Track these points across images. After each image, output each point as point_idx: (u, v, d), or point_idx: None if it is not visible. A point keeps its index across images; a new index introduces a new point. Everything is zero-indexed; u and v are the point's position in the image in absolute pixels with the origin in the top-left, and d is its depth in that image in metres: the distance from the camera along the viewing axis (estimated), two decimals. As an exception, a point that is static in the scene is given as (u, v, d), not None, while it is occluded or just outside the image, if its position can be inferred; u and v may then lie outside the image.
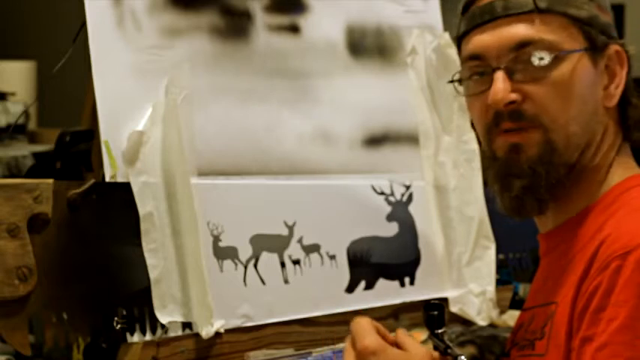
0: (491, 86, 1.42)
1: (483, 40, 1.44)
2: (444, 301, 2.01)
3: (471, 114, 1.51)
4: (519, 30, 1.42)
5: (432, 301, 1.49)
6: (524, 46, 1.42)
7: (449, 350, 1.44)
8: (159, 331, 1.67)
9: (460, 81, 1.49)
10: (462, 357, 1.41)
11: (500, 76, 1.41)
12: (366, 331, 1.40)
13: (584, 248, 1.37)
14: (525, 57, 1.41)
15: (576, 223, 1.42)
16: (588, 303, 1.30)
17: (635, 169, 1.46)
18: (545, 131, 1.40)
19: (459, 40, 1.51)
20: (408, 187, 2.04)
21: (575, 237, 1.41)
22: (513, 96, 1.41)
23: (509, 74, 1.41)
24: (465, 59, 1.48)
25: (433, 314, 1.47)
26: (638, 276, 1.27)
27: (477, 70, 1.46)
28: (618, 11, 4.56)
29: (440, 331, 1.46)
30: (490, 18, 1.44)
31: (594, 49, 1.41)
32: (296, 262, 1.86)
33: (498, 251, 2.10)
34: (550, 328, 1.38)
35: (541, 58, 1.40)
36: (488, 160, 1.48)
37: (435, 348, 1.47)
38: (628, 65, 1.44)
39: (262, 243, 1.82)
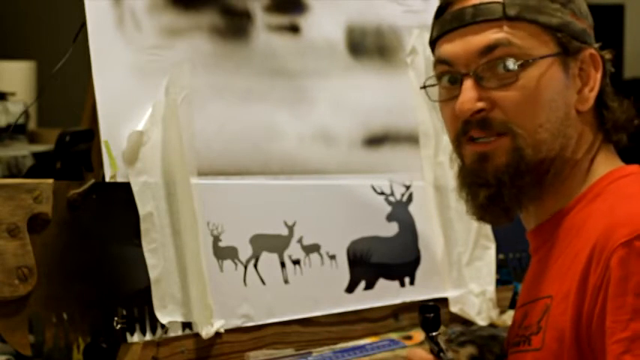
0: (460, 94, 1.42)
1: (452, 46, 1.45)
2: (443, 301, 2.01)
3: (443, 119, 1.51)
4: (487, 35, 1.42)
5: (428, 303, 1.48)
6: (491, 50, 1.42)
7: (441, 354, 1.44)
8: (159, 331, 1.67)
9: (427, 86, 1.51)
10: None
11: (468, 85, 1.42)
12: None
13: (576, 239, 1.37)
14: (493, 62, 1.42)
15: (563, 217, 1.42)
16: (599, 295, 1.29)
17: (620, 164, 1.47)
18: (514, 138, 1.41)
19: (432, 44, 1.52)
20: (408, 187, 2.04)
21: (564, 230, 1.41)
22: (480, 104, 1.42)
23: (478, 80, 1.42)
24: (436, 63, 1.49)
25: (428, 317, 1.46)
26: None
27: (447, 74, 1.46)
28: (618, 11, 4.56)
29: (435, 333, 1.46)
30: (459, 25, 1.44)
31: (566, 55, 1.41)
32: (296, 262, 1.86)
33: (498, 251, 2.10)
34: (546, 322, 1.38)
35: (509, 63, 1.41)
36: (457, 165, 1.48)
37: (432, 350, 1.47)
38: (604, 69, 1.44)
39: (262, 243, 1.82)
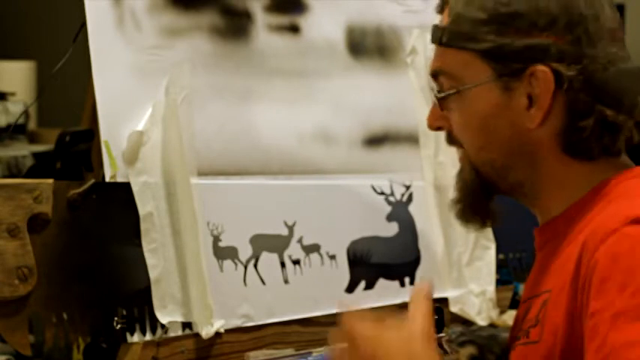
0: None
1: None
2: (444, 301, 2.01)
3: None
4: (434, 61, 1.46)
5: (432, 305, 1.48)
6: (435, 76, 1.46)
7: (445, 357, 1.44)
8: (159, 331, 1.67)
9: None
10: None
11: (433, 102, 1.47)
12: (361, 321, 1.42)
13: (578, 237, 1.37)
14: (438, 88, 1.45)
15: (570, 215, 1.42)
16: (589, 280, 1.29)
17: (628, 165, 1.45)
18: (467, 155, 1.45)
19: None
20: (408, 187, 2.04)
21: (568, 227, 1.41)
22: (438, 123, 1.47)
23: (438, 100, 1.47)
24: None
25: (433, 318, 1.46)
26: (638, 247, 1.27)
27: None
28: (618, 11, 4.56)
29: (439, 335, 1.46)
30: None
31: (505, 75, 1.40)
32: (296, 262, 1.86)
33: (498, 251, 2.10)
34: (544, 315, 1.38)
35: (441, 91, 1.44)
36: None
37: None
38: (568, 84, 1.37)
39: (262, 243, 1.82)
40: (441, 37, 1.44)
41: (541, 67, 1.38)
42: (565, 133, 1.40)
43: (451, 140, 1.48)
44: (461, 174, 1.49)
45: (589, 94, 1.39)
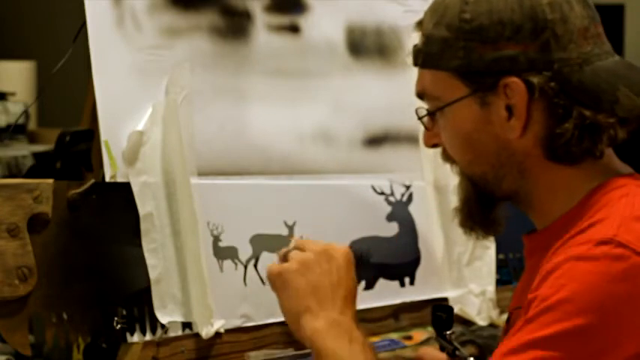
0: None
1: None
2: (443, 301, 2.01)
3: None
4: (417, 83, 1.47)
5: (441, 303, 1.50)
6: (421, 97, 1.47)
7: (457, 352, 1.44)
8: (159, 331, 1.67)
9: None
10: (471, 359, 1.42)
11: (423, 122, 1.48)
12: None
13: (559, 249, 1.38)
14: (426, 108, 1.47)
15: (557, 227, 1.42)
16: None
17: (618, 170, 1.43)
18: (461, 169, 1.47)
19: None
20: (408, 187, 2.04)
21: (554, 239, 1.40)
22: (433, 141, 1.48)
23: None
24: None
25: (441, 316, 1.47)
26: (567, 278, 1.28)
27: None
28: (618, 11, 4.55)
29: (448, 332, 1.47)
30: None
31: (480, 91, 1.40)
32: (296, 262, 1.85)
33: (498, 251, 2.10)
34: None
35: (426, 111, 1.46)
36: None
37: (442, 349, 1.47)
38: (541, 93, 1.36)
39: (262, 243, 1.82)
40: (417, 58, 1.45)
41: (512, 78, 1.37)
42: (546, 139, 1.40)
43: (446, 157, 1.49)
44: (460, 185, 1.49)
45: (565, 97, 1.38)
